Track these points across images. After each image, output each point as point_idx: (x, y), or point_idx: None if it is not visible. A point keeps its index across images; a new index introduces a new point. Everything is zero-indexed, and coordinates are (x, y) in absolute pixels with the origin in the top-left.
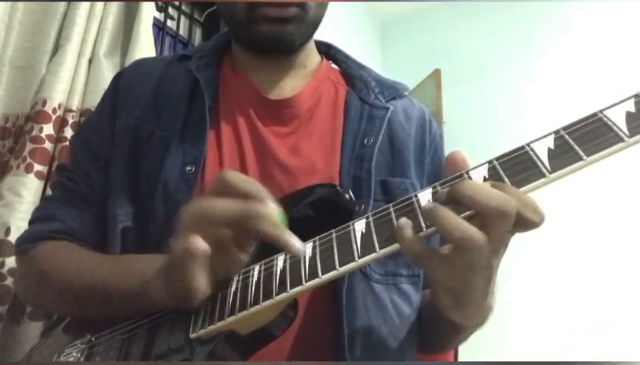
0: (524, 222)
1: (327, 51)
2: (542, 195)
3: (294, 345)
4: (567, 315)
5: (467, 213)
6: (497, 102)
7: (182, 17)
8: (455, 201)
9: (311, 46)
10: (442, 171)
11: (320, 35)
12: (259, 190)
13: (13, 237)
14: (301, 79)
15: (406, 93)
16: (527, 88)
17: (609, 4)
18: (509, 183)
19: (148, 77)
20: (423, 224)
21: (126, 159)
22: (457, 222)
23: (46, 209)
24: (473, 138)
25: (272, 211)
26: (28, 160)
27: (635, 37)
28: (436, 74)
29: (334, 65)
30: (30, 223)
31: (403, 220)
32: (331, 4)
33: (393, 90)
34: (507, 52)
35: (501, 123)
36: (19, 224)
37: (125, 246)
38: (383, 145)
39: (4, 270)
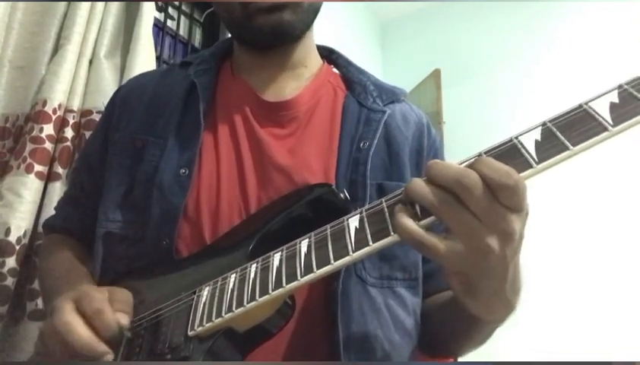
0: (499, 187)
1: (329, 56)
2: (543, 194)
3: (289, 347)
4: (566, 315)
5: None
6: (497, 102)
7: (182, 17)
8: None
9: (311, 44)
10: None
11: (321, 35)
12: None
13: (13, 237)
14: (301, 81)
15: (404, 98)
16: (527, 88)
17: (608, 4)
18: None
19: (144, 89)
20: (420, 214)
21: (119, 168)
22: (421, 188)
23: (59, 204)
24: (473, 138)
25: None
26: (28, 160)
27: (632, 37)
28: (436, 74)
29: (335, 70)
30: (54, 209)
31: (399, 207)
32: (331, 4)
33: (391, 94)
34: (507, 52)
35: (501, 123)
36: (19, 224)
37: (108, 251)
38: (380, 148)
39: (4, 270)
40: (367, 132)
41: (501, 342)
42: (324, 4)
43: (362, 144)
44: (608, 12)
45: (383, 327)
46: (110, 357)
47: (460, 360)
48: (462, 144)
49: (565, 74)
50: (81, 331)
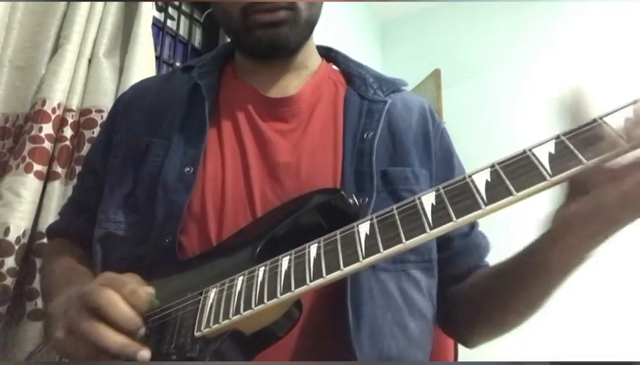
0: None
1: (328, 54)
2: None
3: (301, 331)
4: (567, 316)
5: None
6: (497, 102)
7: (182, 17)
8: None
9: (311, 47)
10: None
11: (321, 36)
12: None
13: (12, 237)
14: (302, 79)
15: (404, 88)
16: (527, 88)
17: (608, 4)
18: (510, 185)
19: (146, 93)
20: (427, 226)
21: (121, 169)
22: None
23: (63, 209)
24: (473, 138)
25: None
26: (27, 159)
27: (632, 37)
28: (436, 74)
29: (334, 67)
30: (58, 214)
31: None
32: (331, 4)
33: (391, 85)
34: (507, 52)
35: (501, 123)
36: (18, 224)
37: (108, 252)
38: (383, 137)
39: (4, 269)
40: (370, 123)
41: (504, 344)
42: (325, 4)
43: (365, 135)
44: (608, 12)
45: (393, 310)
46: (143, 332)
47: (460, 360)
48: (462, 144)
49: (565, 75)
50: (125, 307)
